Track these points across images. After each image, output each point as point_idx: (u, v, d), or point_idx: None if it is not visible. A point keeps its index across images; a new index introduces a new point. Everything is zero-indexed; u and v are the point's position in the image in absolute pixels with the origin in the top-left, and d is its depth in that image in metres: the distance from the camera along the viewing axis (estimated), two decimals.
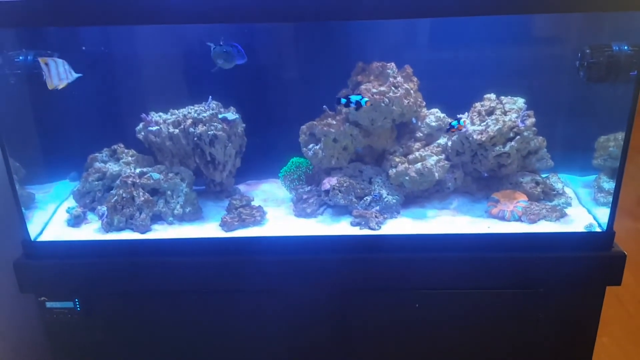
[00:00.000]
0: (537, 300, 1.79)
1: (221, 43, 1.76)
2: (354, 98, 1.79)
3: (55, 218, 1.94)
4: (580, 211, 1.89)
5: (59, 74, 1.68)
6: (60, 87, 1.70)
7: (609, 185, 1.90)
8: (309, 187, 1.98)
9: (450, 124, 1.85)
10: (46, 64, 1.66)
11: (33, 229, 1.81)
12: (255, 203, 1.93)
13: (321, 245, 1.79)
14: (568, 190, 1.97)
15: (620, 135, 1.70)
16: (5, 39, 1.78)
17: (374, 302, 1.83)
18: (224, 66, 1.78)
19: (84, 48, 2.00)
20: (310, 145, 1.96)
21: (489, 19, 1.84)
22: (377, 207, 1.87)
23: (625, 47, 1.68)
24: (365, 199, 1.89)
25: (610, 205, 1.74)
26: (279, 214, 1.95)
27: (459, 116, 1.93)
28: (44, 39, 1.92)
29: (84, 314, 1.83)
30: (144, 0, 1.53)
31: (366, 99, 1.79)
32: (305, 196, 1.94)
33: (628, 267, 1.73)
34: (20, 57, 1.75)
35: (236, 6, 1.53)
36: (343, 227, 1.85)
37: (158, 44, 2.03)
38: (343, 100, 1.81)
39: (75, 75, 1.72)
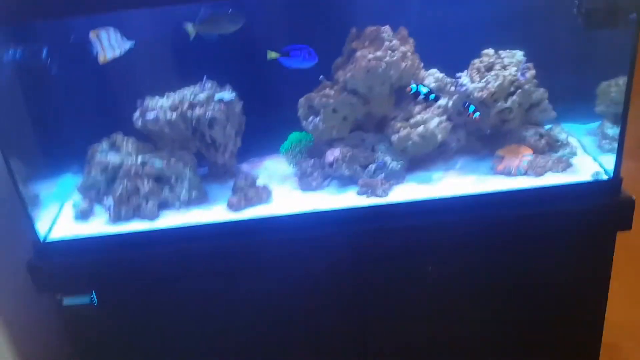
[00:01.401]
0: (551, 252, 1.80)
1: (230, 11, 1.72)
2: (423, 90, 1.77)
3: (62, 214, 1.94)
4: (586, 160, 1.88)
5: (112, 44, 1.58)
6: (115, 57, 1.60)
7: (612, 131, 1.88)
8: (312, 161, 1.96)
9: (467, 106, 1.83)
10: (97, 37, 1.56)
11: (42, 228, 1.81)
12: (260, 181, 1.92)
13: (330, 217, 1.78)
14: (572, 140, 1.95)
15: (622, 80, 1.68)
16: None
17: (387, 270, 1.84)
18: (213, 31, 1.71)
19: (72, 38, 1.96)
20: (310, 118, 1.94)
21: None
22: (383, 174, 1.86)
23: None
24: (369, 167, 1.88)
25: (615, 151, 1.73)
26: (284, 190, 1.95)
27: (458, 75, 1.89)
28: (34, 32, 1.88)
29: (101, 308, 1.84)
30: None
31: (434, 95, 1.78)
32: (309, 170, 1.93)
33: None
34: (10, 53, 1.72)
35: None
36: (350, 198, 1.85)
37: (146, 27, 1.99)
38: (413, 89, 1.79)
39: (129, 43, 1.63)
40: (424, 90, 1.77)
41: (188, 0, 1.60)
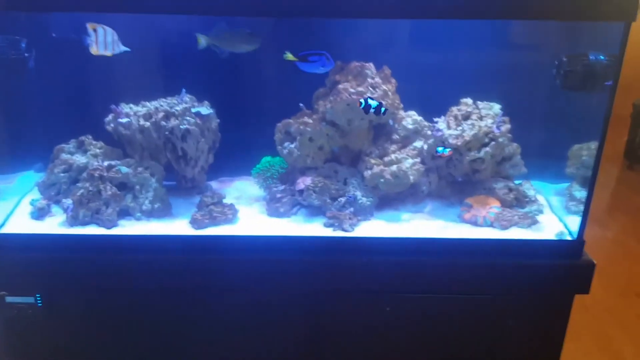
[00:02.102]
0: (507, 305, 1.80)
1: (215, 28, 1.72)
2: (372, 103, 1.75)
3: (18, 210, 1.88)
4: (552, 219, 1.90)
5: (106, 43, 1.63)
6: (107, 54, 1.65)
7: (580, 193, 1.91)
8: (283, 187, 1.95)
9: (436, 149, 1.85)
10: (94, 30, 1.61)
11: None
12: (227, 201, 1.89)
13: (293, 245, 1.76)
14: (540, 198, 1.98)
15: (594, 145, 1.71)
16: None
17: (345, 304, 1.81)
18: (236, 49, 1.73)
19: (54, 35, 1.94)
20: (286, 144, 1.93)
21: (468, 22, 1.83)
22: (352, 209, 1.85)
23: (602, 57, 1.69)
24: (339, 200, 1.87)
25: (581, 213, 1.75)
26: (251, 212, 1.92)
27: (435, 125, 1.92)
28: (13, 23, 1.85)
29: (45, 310, 1.77)
30: None
31: (385, 108, 1.76)
32: (278, 195, 1.91)
33: (595, 274, 1.75)
34: None
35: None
36: (316, 228, 1.83)
37: (132, 33, 1.98)
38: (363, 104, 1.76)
39: (123, 48, 1.66)
40: (373, 103, 1.75)
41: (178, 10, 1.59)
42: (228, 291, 1.79)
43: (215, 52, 1.75)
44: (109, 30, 1.63)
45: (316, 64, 1.74)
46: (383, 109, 1.75)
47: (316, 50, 1.73)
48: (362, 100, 1.75)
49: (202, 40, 1.73)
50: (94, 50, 1.63)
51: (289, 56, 1.74)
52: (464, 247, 1.76)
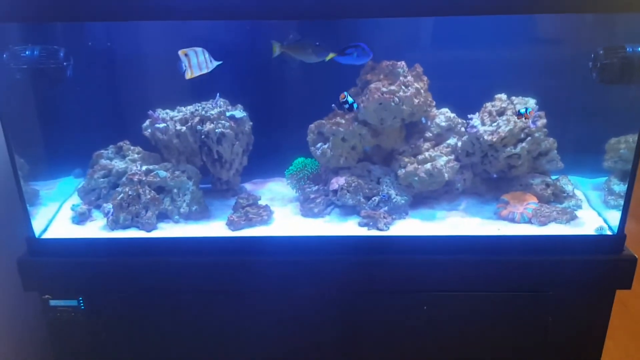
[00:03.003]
0: (547, 303, 1.78)
1: (290, 36, 1.75)
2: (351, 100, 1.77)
3: (59, 215, 1.92)
4: (591, 214, 1.87)
5: (199, 63, 1.67)
6: (202, 74, 1.69)
7: (619, 187, 1.88)
8: (316, 187, 1.96)
9: (518, 111, 1.81)
10: (186, 55, 1.65)
11: (37, 226, 1.79)
12: (262, 202, 1.91)
13: (329, 245, 1.77)
14: (578, 193, 1.95)
15: (632, 138, 1.68)
16: (10, 34, 1.76)
17: (381, 304, 1.81)
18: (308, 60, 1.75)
19: (90, 44, 1.98)
20: (319, 144, 1.94)
21: (502, 18, 1.82)
22: (386, 208, 1.85)
23: (639, 49, 1.66)
24: (373, 199, 1.87)
25: (621, 208, 1.72)
26: (285, 213, 1.93)
27: (470, 118, 1.91)
28: (50, 34, 1.90)
29: (88, 313, 1.81)
30: None
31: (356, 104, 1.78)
32: (312, 196, 1.92)
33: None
34: (27, 52, 1.73)
35: (244, 4, 1.51)
36: (351, 228, 1.83)
37: (165, 40, 2.01)
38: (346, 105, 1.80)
39: (216, 63, 1.71)
40: (349, 99, 1.77)
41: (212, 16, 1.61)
42: (265, 291, 1.81)
43: (285, 60, 1.79)
44: (199, 50, 1.67)
45: (352, 56, 1.75)
46: (356, 105, 1.77)
47: (354, 43, 1.74)
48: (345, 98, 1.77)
49: (277, 49, 1.76)
50: (189, 74, 1.67)
51: (330, 55, 1.76)
52: (502, 245, 1.75)
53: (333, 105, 1.93)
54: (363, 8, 1.53)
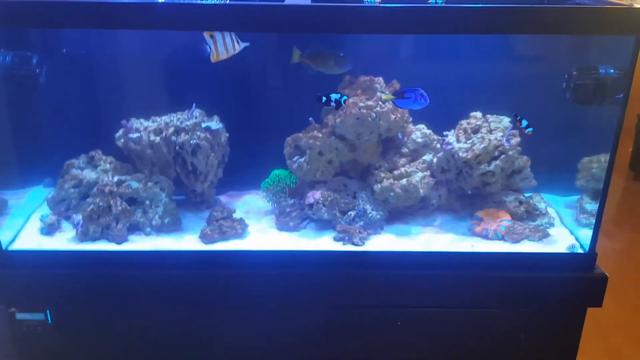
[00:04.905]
0: (519, 319, 1.79)
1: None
2: (333, 96, 1.73)
3: (28, 226, 1.87)
4: (563, 232, 1.89)
5: (226, 44, 1.57)
6: (228, 57, 1.59)
7: (591, 206, 1.90)
8: (292, 200, 1.94)
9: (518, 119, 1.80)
10: (211, 36, 1.55)
11: (5, 237, 1.74)
12: (236, 215, 1.89)
13: (304, 260, 1.75)
14: (551, 211, 1.97)
15: (604, 157, 1.70)
16: None
17: (355, 319, 1.80)
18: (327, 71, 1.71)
19: (64, 50, 1.95)
20: (295, 158, 1.93)
21: (477, 36, 1.84)
22: (361, 223, 1.85)
23: (612, 70, 1.69)
24: (349, 213, 1.87)
25: (592, 226, 1.74)
26: (261, 226, 1.92)
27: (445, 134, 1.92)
28: (24, 40, 1.86)
29: (55, 326, 1.76)
30: (129, 4, 1.48)
31: (345, 97, 1.74)
32: (288, 209, 1.91)
33: None
34: None
35: (222, 14, 1.50)
36: (326, 242, 1.82)
37: (141, 48, 1.99)
38: (323, 99, 1.74)
39: (244, 44, 1.61)
40: (334, 96, 1.73)
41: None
42: (238, 306, 1.78)
43: (304, 68, 1.75)
44: (226, 33, 1.58)
45: (410, 100, 1.74)
46: (345, 97, 1.74)
47: (412, 87, 1.74)
48: (324, 97, 1.74)
49: (297, 57, 1.73)
50: (214, 57, 1.58)
51: (387, 96, 1.78)
52: (475, 261, 1.76)
53: (310, 118, 1.93)
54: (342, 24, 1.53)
